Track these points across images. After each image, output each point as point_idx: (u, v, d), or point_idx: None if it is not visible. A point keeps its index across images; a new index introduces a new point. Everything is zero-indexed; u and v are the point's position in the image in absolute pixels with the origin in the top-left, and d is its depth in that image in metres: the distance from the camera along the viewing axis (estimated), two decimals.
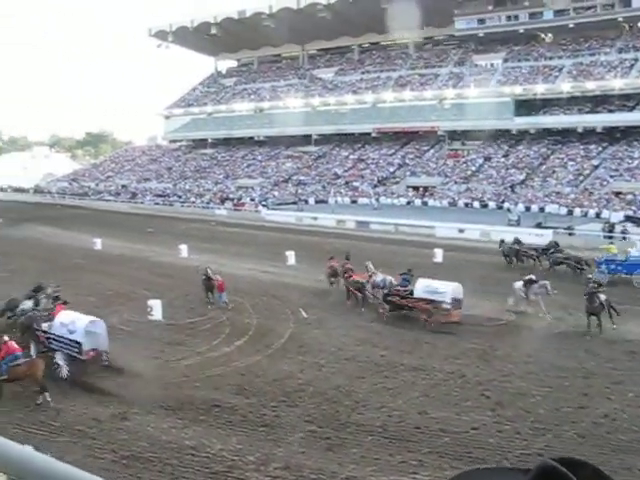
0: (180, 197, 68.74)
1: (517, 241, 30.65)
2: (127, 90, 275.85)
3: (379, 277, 21.01)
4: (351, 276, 21.71)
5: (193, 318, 18.93)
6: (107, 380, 13.61)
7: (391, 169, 66.86)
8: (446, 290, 19.13)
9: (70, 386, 13.28)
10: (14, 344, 13.50)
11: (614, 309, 17.41)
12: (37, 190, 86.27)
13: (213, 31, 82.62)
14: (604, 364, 14.43)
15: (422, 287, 19.53)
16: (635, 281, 24.63)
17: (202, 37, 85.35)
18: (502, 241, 31.16)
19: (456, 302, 18.95)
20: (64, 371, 13.94)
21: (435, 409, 11.83)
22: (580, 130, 59.56)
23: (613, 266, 25.55)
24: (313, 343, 16.35)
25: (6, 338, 13.60)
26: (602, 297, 17.53)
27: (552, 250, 28.69)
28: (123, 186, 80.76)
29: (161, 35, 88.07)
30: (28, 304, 18.06)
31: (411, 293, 19.52)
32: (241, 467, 9.92)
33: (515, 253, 29.90)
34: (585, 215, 45.98)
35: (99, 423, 11.46)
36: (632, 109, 57.81)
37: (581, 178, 53.57)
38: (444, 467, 9.83)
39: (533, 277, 19.88)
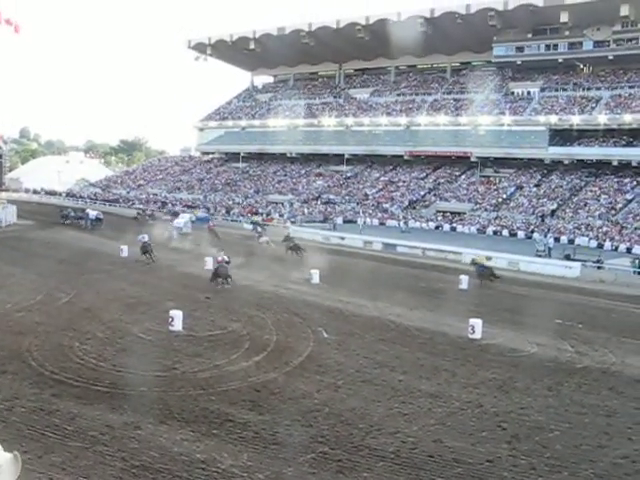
0: (209, 209, 69.11)
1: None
2: (163, 100, 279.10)
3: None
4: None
5: (213, 331, 18.89)
6: (122, 387, 13.62)
7: (421, 193, 66.86)
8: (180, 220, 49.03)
9: (85, 392, 13.29)
10: None
11: None
12: (69, 194, 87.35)
13: (251, 46, 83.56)
14: (628, 403, 14.06)
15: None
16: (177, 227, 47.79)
17: (240, 51, 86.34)
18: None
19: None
20: None
21: (450, 438, 11.61)
22: (615, 163, 59.13)
23: (194, 220, 52.53)
24: (331, 363, 16.19)
25: None
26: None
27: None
28: (154, 195, 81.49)
29: (200, 48, 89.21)
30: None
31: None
32: None
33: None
34: (616, 249, 45.44)
35: (112, 430, 11.41)
36: None
37: (613, 212, 53.00)
38: None
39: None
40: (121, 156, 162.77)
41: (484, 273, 31.41)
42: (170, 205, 72.38)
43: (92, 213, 50.96)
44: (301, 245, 37.75)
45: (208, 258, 31.32)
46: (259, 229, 47.90)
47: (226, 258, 27.26)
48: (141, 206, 69.72)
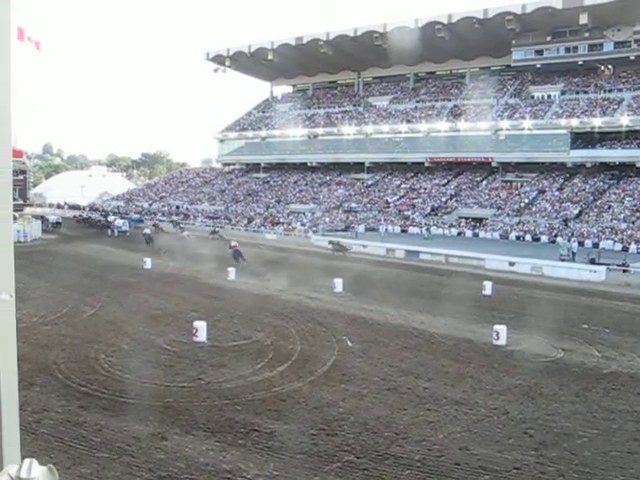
0: (230, 220, 69.38)
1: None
2: (184, 113, 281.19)
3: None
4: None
5: (237, 341, 18.94)
6: (148, 399, 13.68)
7: (443, 199, 66.56)
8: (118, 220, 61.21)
9: (111, 403, 13.37)
10: None
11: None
12: (92, 208, 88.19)
13: (270, 57, 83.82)
14: None
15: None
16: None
17: (259, 62, 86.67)
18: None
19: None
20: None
21: (476, 445, 11.53)
22: (639, 165, 58.43)
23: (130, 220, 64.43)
24: (356, 372, 16.16)
25: None
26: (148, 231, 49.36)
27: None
28: (176, 207, 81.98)
29: (218, 59, 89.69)
30: None
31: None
32: None
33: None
34: None
35: (138, 441, 11.47)
36: None
37: (638, 214, 52.43)
38: None
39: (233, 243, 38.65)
40: (143, 169, 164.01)
41: (337, 249, 45.77)
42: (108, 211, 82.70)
43: (52, 218, 65.24)
44: (225, 236, 52.45)
45: (230, 269, 31.56)
46: (181, 225, 63.86)
47: (237, 244, 38.22)
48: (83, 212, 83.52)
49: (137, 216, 74.76)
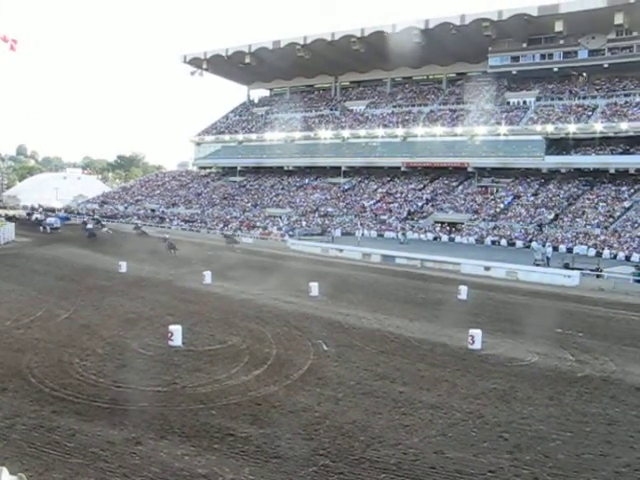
0: (206, 223, 69.15)
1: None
2: (160, 116, 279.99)
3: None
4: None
5: (213, 345, 18.85)
6: (123, 403, 13.56)
7: (419, 204, 66.80)
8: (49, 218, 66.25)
9: (85, 408, 13.23)
10: None
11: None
12: (67, 211, 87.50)
13: (247, 60, 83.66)
14: (629, 411, 14.02)
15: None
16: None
17: (236, 66, 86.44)
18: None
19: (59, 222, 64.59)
20: None
21: (452, 449, 11.57)
22: (612, 171, 59.16)
23: (61, 219, 69.94)
24: (332, 376, 16.15)
25: None
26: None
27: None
28: (152, 210, 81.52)
29: (195, 62, 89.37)
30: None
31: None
32: None
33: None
34: (614, 257, 45.41)
35: (112, 446, 11.35)
36: None
37: (611, 220, 53.00)
38: None
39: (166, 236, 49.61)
40: (118, 172, 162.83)
41: (228, 241, 54.32)
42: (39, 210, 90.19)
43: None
44: (146, 231, 62.10)
45: (206, 272, 31.42)
46: (102, 222, 71.05)
47: (169, 237, 48.34)
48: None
49: (65, 214, 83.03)
